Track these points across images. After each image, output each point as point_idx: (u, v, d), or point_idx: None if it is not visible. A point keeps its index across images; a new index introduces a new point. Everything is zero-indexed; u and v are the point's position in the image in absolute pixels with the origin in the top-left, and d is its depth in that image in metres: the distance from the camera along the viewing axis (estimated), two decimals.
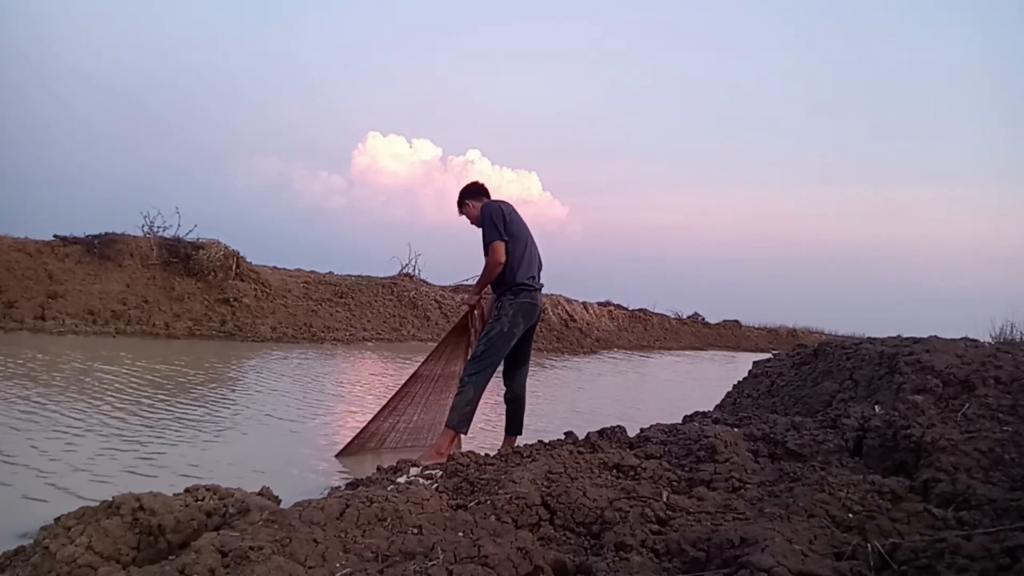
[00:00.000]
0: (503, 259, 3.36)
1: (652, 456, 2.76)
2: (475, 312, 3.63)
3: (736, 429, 3.01)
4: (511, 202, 3.59)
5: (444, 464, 2.82)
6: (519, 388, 3.57)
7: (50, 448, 3.30)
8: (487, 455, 2.98)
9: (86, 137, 31.23)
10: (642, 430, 3.22)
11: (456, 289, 13.53)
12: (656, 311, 18.37)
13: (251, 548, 1.53)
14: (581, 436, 3.32)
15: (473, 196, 3.60)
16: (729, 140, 46.30)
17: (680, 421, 3.74)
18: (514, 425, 3.58)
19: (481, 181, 3.66)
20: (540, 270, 3.56)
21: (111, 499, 1.88)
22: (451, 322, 12.25)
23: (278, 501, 2.24)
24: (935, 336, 3.89)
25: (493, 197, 3.64)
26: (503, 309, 3.33)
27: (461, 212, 3.66)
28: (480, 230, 3.51)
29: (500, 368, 3.49)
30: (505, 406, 3.62)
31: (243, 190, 34.91)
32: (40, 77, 28.48)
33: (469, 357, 3.42)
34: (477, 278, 3.54)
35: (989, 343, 4.08)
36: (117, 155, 31.99)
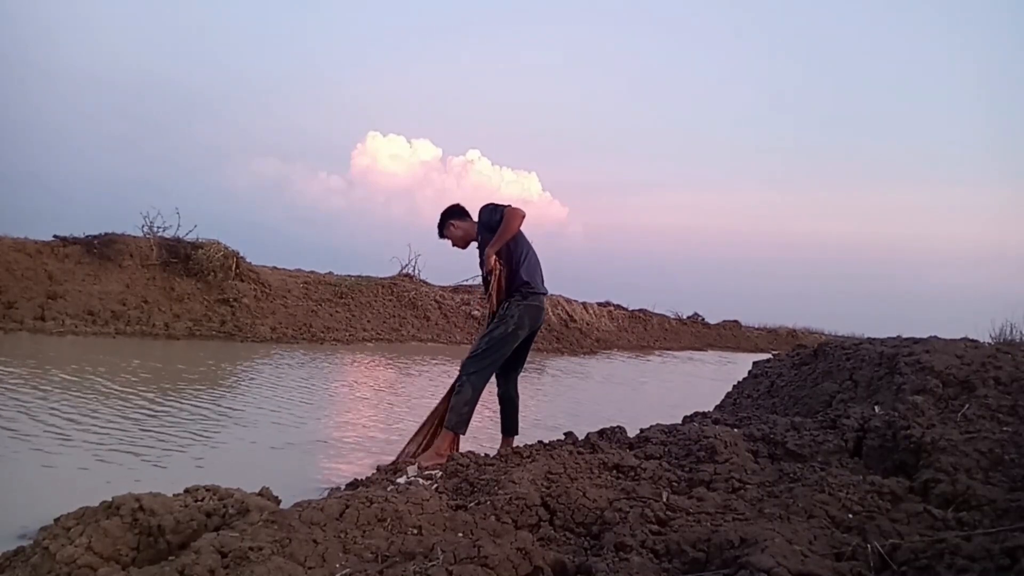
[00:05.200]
0: (524, 212, 3.26)
1: (652, 456, 2.76)
2: (500, 272, 3.32)
3: (736, 430, 3.01)
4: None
5: (444, 465, 2.82)
6: (512, 389, 3.55)
7: (49, 449, 3.30)
8: (487, 455, 2.99)
9: (86, 136, 31.28)
10: (642, 430, 3.22)
11: (456, 290, 13.53)
12: (656, 311, 18.37)
13: (251, 549, 1.53)
14: (581, 436, 3.32)
15: (456, 217, 3.53)
16: (729, 140, 46.32)
17: (680, 421, 3.74)
18: (510, 426, 3.57)
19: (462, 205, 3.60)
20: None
21: (111, 500, 1.89)
22: (451, 322, 12.29)
23: (278, 501, 2.24)
24: (935, 336, 3.89)
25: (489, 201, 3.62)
26: (509, 310, 3.31)
27: (443, 235, 3.56)
28: (465, 249, 3.54)
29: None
30: (500, 406, 3.62)
31: (243, 190, 34.96)
32: (40, 75, 28.50)
33: (468, 355, 3.40)
34: (493, 241, 3.27)
35: (989, 343, 4.08)
36: (117, 155, 32.01)
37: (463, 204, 3.60)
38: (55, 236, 9.07)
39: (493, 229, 3.31)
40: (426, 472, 2.83)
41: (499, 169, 33.88)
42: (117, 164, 30.96)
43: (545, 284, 3.50)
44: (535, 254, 3.47)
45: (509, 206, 3.29)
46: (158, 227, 9.81)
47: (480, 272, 3.44)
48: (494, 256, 3.29)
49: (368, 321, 11.15)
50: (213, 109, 36.54)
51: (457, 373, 3.40)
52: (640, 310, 17.85)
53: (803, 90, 45.13)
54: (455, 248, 3.58)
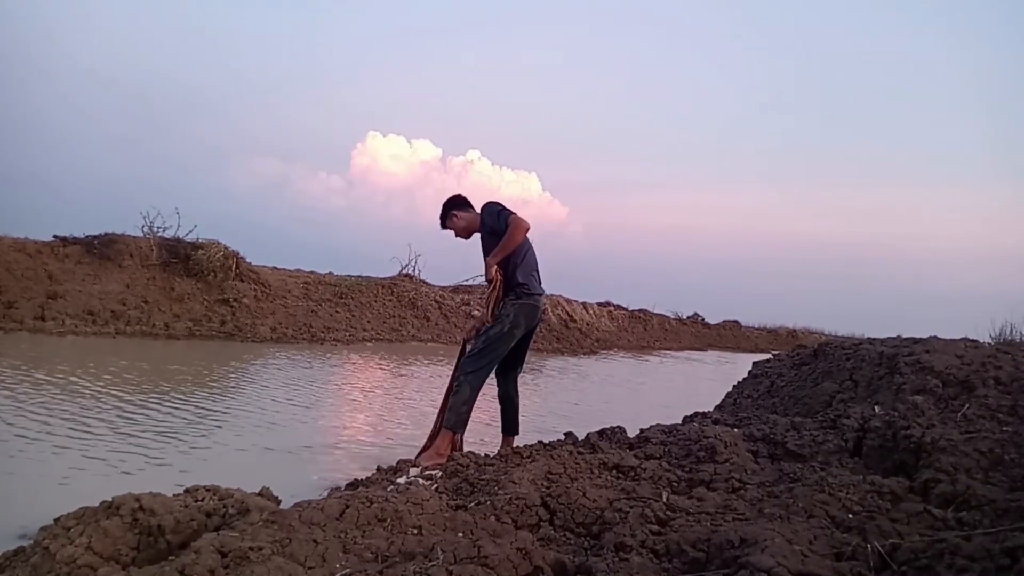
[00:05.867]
0: (528, 225, 3.26)
1: (652, 456, 2.76)
2: (499, 282, 3.31)
3: (736, 430, 3.01)
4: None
5: (444, 465, 2.82)
6: (512, 389, 3.55)
7: (49, 448, 3.30)
8: (487, 455, 2.98)
9: (86, 136, 31.31)
10: (642, 431, 3.22)
11: (456, 290, 13.53)
12: (656, 311, 18.41)
13: (251, 549, 1.53)
14: (581, 436, 3.32)
15: (459, 207, 3.53)
16: (728, 141, 46.37)
17: (680, 421, 3.74)
18: (510, 426, 3.57)
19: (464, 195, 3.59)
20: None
21: (111, 499, 1.88)
22: (451, 322, 12.29)
23: (278, 501, 2.24)
24: (935, 336, 3.89)
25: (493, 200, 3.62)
26: (504, 309, 3.31)
27: (445, 226, 3.55)
28: (468, 240, 3.53)
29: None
30: (500, 406, 3.62)
31: (243, 190, 35.03)
32: (40, 75, 28.51)
33: (466, 354, 3.40)
34: (495, 253, 3.27)
35: (989, 343, 4.08)
36: (117, 155, 32.07)
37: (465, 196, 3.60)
38: (55, 236, 9.07)
39: (494, 231, 3.31)
40: (426, 472, 2.83)
41: (499, 169, 34.04)
42: (117, 164, 31.02)
43: (543, 284, 3.50)
44: (533, 254, 3.46)
45: (513, 214, 3.27)
46: (158, 227, 9.83)
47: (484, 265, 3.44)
48: (495, 266, 3.30)
49: (368, 321, 11.15)
50: (213, 109, 36.62)
51: (452, 371, 3.41)
52: (640, 310, 17.87)
53: (802, 90, 45.22)
54: (458, 239, 3.57)
